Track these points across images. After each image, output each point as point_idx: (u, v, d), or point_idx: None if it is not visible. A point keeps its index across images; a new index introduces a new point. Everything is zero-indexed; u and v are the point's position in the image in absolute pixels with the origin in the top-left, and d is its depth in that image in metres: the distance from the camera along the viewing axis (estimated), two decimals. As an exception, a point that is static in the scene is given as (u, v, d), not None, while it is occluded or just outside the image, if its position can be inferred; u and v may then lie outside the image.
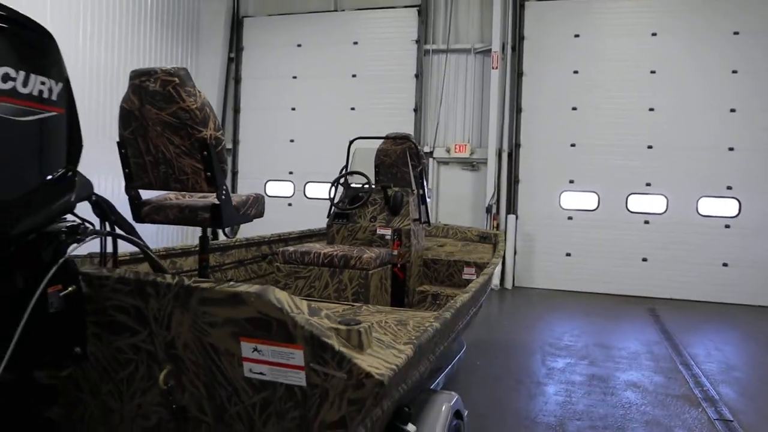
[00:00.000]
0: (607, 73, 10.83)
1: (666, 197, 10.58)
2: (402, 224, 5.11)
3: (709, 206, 10.38)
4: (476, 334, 7.47)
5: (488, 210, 11.27)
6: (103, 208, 2.10)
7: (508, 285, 11.13)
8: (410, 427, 2.40)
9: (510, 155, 11.35)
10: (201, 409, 1.99)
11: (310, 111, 12.65)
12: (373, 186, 5.43)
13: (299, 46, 12.73)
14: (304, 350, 1.77)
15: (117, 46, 10.63)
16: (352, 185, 5.51)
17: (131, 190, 2.88)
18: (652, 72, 10.59)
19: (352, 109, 12.36)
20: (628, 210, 10.79)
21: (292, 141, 12.80)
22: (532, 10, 11.32)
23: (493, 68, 11.15)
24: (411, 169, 5.52)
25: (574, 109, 11.03)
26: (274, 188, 12.96)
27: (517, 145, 11.40)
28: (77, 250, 1.95)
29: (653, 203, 10.67)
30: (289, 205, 12.84)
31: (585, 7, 11.00)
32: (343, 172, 5.61)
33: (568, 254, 11.06)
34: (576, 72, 11.02)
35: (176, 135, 2.55)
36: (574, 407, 5.24)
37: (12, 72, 1.60)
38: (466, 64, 11.83)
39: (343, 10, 12.52)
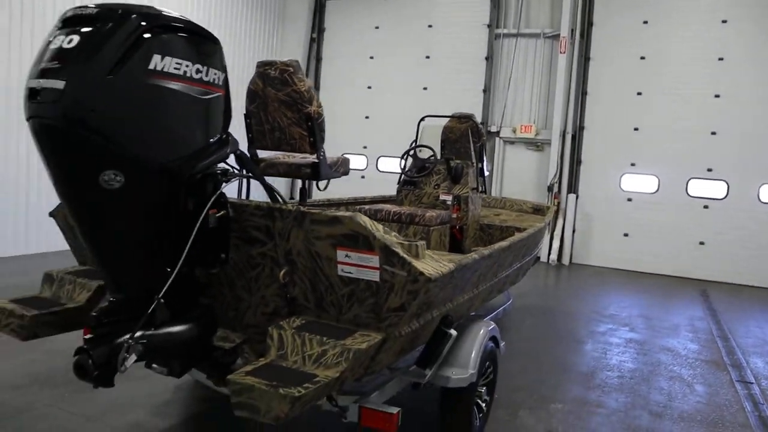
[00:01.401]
0: (674, 59, 11.09)
1: (727, 183, 10.82)
2: (461, 192, 5.88)
3: (771, 193, 10.58)
4: (529, 300, 8.20)
5: (550, 188, 11.82)
6: (243, 159, 3.01)
7: (565, 261, 11.69)
8: (452, 331, 3.22)
9: (574, 137, 11.82)
10: (306, 298, 2.87)
11: (385, 90, 13.47)
12: (438, 158, 6.22)
13: (377, 28, 13.53)
14: (379, 256, 2.61)
15: (213, 27, 11.75)
16: (420, 157, 6.31)
17: (252, 150, 3.79)
18: (720, 59, 10.78)
19: (425, 88, 13.09)
20: (688, 194, 11.09)
21: (367, 117, 13.69)
22: (602, -3, 11.67)
23: (561, 53, 11.60)
24: (472, 145, 6.26)
25: (639, 94, 11.36)
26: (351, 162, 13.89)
27: (581, 128, 11.85)
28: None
29: (714, 188, 10.93)
30: (362, 177, 13.77)
31: (656, -7, 11.26)
32: (413, 145, 6.42)
33: (626, 234, 11.49)
34: (643, 58, 11.33)
35: (289, 110, 3.42)
36: (607, 362, 5.92)
37: (200, 67, 2.49)
38: (534, 48, 12.32)
39: (420, -6, 13.23)
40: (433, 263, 2.76)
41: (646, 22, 11.30)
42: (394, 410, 2.87)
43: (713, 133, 10.86)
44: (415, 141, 6.56)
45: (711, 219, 10.90)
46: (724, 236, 10.76)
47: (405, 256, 2.60)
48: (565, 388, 5.09)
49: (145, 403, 4.17)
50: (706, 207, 10.97)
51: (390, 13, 13.39)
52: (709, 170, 10.93)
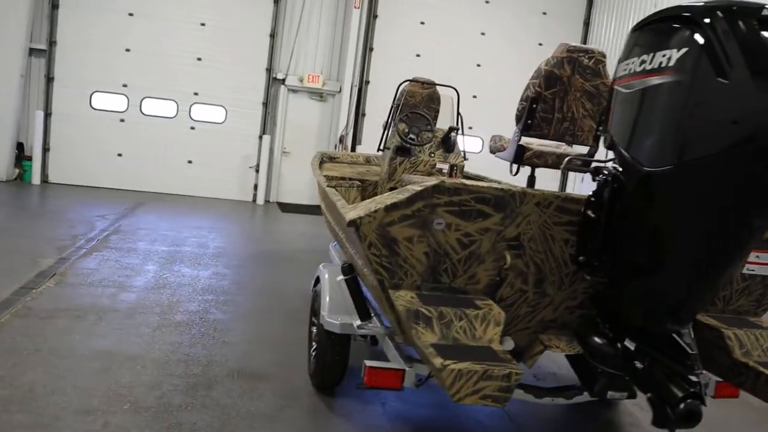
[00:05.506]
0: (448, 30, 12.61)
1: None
2: (457, 161, 6.09)
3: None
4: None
5: (341, 140, 12.23)
6: None
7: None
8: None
9: (360, 90, 12.38)
10: None
11: (152, 20, 11.59)
12: (432, 126, 6.17)
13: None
14: None
15: None
16: (416, 125, 6.11)
17: (523, 136, 3.46)
18: (482, 34, 12.73)
19: (203, 24, 11.77)
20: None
21: (127, 50, 11.59)
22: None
23: (355, 8, 11.87)
24: (436, 114, 6.37)
25: (418, 55, 12.52)
26: (102, 101, 11.65)
27: (367, 82, 12.49)
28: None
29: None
30: (122, 120, 11.75)
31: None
32: (397, 111, 6.13)
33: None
34: (423, 23, 12.52)
35: (589, 101, 3.33)
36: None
37: None
38: (324, -2, 12.30)
39: None
40: None
41: (425, -8, 12.47)
42: None
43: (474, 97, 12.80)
44: (398, 106, 6.28)
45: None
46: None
47: None
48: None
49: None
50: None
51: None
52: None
